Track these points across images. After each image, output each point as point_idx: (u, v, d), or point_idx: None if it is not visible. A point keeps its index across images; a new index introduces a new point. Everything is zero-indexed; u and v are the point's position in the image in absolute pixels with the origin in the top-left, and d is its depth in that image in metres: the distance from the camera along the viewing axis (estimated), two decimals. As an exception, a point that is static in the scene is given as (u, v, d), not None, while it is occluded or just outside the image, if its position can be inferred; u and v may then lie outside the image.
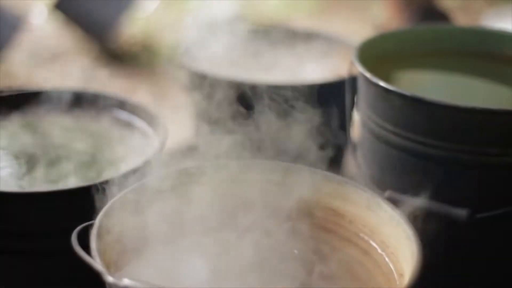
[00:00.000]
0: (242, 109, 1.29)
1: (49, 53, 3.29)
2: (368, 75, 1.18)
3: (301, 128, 1.29)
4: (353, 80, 1.31)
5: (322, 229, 1.04)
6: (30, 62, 3.16)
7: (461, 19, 2.70)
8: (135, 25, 3.46)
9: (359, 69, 1.21)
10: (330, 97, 1.38)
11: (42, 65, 3.16)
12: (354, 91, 1.32)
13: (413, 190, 1.14)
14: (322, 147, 1.28)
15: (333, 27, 1.88)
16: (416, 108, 1.13)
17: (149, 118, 1.29)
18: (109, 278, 0.81)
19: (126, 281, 0.80)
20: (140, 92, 1.38)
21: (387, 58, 1.35)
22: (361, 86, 1.25)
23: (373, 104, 1.20)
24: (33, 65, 3.14)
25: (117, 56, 3.30)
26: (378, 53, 1.33)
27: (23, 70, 3.07)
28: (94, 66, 3.21)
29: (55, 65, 3.19)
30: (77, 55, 3.31)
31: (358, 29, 2.51)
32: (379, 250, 0.98)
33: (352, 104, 1.30)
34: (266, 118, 1.31)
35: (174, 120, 1.28)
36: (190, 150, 1.08)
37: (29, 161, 1.22)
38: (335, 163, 1.49)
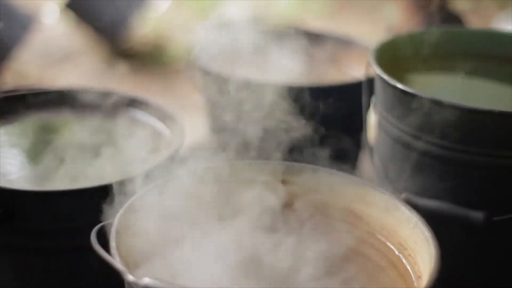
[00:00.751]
0: (257, 110, 1.29)
1: (60, 52, 3.30)
2: (385, 77, 1.18)
3: (316, 129, 1.29)
4: (369, 82, 1.31)
5: (339, 230, 1.04)
6: (41, 62, 3.17)
7: (473, 21, 2.69)
8: (146, 25, 3.47)
9: (376, 71, 1.21)
10: (346, 99, 1.38)
11: (53, 65, 3.17)
12: (370, 93, 1.32)
13: (430, 192, 1.15)
14: (337, 148, 1.28)
15: (345, 28, 1.87)
16: (434, 111, 1.13)
17: (166, 118, 1.29)
18: (130, 277, 0.81)
19: (146, 280, 0.79)
20: (152, 91, 1.38)
21: (402, 60, 1.35)
22: (378, 88, 1.25)
23: (390, 106, 1.20)
24: (45, 65, 3.15)
25: (128, 55, 3.31)
26: (394, 55, 1.33)
27: (34, 69, 3.08)
28: (105, 65, 3.22)
29: (67, 64, 3.20)
30: (89, 55, 3.32)
31: (370, 31, 2.51)
32: (397, 252, 0.97)
33: (368, 106, 1.30)
34: (279, 119, 1.31)
35: (186, 120, 1.28)
36: (203, 149, 1.08)
37: (44, 160, 1.22)
38: (350, 165, 1.49)
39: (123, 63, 3.24)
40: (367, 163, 1.63)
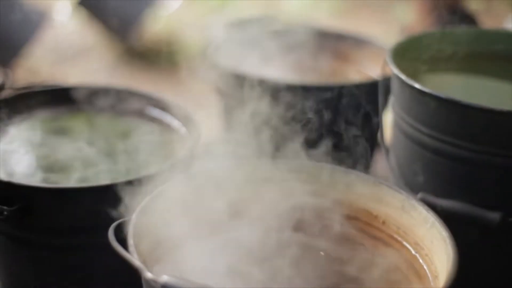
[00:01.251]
0: (272, 108, 1.29)
1: (72, 50, 3.30)
2: (403, 77, 1.18)
3: (331, 128, 1.29)
4: (385, 81, 1.30)
5: (355, 229, 1.04)
6: (53, 59, 3.17)
7: (485, 22, 2.69)
8: (158, 23, 3.47)
9: (394, 70, 1.21)
10: (362, 99, 1.38)
11: (65, 62, 3.17)
12: (386, 92, 1.31)
13: (446, 192, 1.14)
14: (352, 147, 1.28)
15: (357, 28, 1.87)
16: (451, 111, 1.12)
17: (183, 116, 1.29)
18: (148, 275, 0.81)
19: (165, 278, 0.79)
20: (163, 90, 1.39)
21: (418, 60, 1.34)
22: (394, 87, 1.25)
23: (407, 105, 1.20)
24: (56, 62, 3.15)
25: (140, 53, 3.31)
26: (410, 55, 1.32)
27: (46, 66, 3.08)
28: (117, 63, 3.22)
29: (78, 62, 3.20)
30: (100, 52, 3.32)
31: (382, 30, 2.50)
32: (413, 252, 0.97)
33: (384, 105, 1.30)
34: (294, 117, 1.31)
35: (199, 118, 1.28)
36: (219, 148, 1.08)
37: (59, 157, 1.23)
38: (364, 164, 1.49)
39: (135, 61, 3.24)
40: (381, 162, 1.63)
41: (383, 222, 1.02)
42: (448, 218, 0.95)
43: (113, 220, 0.92)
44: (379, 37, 1.70)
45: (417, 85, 1.16)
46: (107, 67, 3.18)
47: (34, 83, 1.38)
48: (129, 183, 1.06)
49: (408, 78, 1.18)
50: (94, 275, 1.13)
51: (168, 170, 1.04)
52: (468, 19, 2.26)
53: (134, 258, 0.84)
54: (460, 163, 1.15)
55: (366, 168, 1.52)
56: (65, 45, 3.32)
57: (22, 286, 1.18)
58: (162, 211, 0.95)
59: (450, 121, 1.13)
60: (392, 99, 1.28)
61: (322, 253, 1.00)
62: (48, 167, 1.19)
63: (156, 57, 3.29)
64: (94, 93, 1.36)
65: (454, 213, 1.12)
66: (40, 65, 3.05)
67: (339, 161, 1.09)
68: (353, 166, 1.08)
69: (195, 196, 0.99)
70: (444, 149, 1.15)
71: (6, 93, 1.30)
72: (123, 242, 0.88)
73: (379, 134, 1.29)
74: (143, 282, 0.89)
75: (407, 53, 1.31)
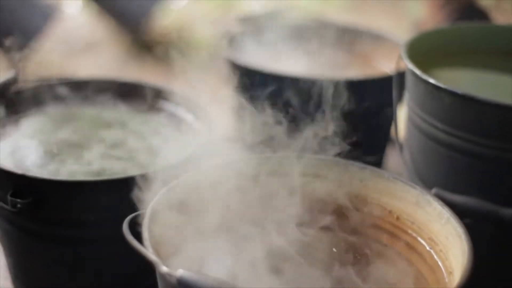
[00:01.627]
0: (286, 103, 1.29)
1: (82, 42, 3.30)
2: (418, 72, 1.18)
3: (345, 123, 1.28)
4: (400, 76, 1.30)
5: (369, 224, 1.03)
6: (63, 52, 3.17)
7: (496, 18, 2.68)
8: (167, 16, 3.47)
9: (409, 65, 1.21)
10: (376, 94, 1.37)
11: (75, 55, 3.17)
12: (401, 87, 1.31)
13: (460, 188, 1.14)
14: (365, 142, 1.28)
15: (367, 23, 1.86)
16: (466, 106, 1.12)
17: (196, 110, 1.28)
18: (163, 268, 0.80)
19: (181, 272, 0.79)
20: (173, 84, 1.38)
21: (432, 55, 1.34)
22: (409, 83, 1.25)
23: (421, 101, 1.20)
24: (66, 55, 3.15)
25: (150, 46, 3.31)
26: (424, 50, 1.32)
27: (56, 59, 3.09)
28: (127, 56, 3.22)
29: (88, 54, 3.20)
30: (110, 45, 3.32)
31: (393, 25, 2.50)
32: (427, 247, 0.97)
33: (398, 100, 1.29)
34: (308, 112, 1.31)
35: (211, 112, 1.28)
36: (233, 142, 1.08)
37: (72, 150, 1.22)
38: (377, 159, 1.49)
39: (144, 55, 3.24)
40: (393, 157, 1.63)
41: (397, 218, 1.01)
42: (461, 214, 0.94)
43: (126, 214, 0.92)
44: (391, 32, 1.69)
45: (432, 80, 1.15)
46: (117, 60, 3.18)
47: (45, 76, 1.38)
48: (143, 176, 1.06)
49: (422, 73, 1.17)
50: (106, 268, 1.13)
51: (183, 163, 1.04)
52: (480, 14, 2.26)
53: (149, 251, 0.84)
54: (475, 158, 1.14)
55: (379, 163, 1.52)
56: (75, 38, 3.32)
57: (34, 279, 1.18)
58: (177, 204, 0.95)
59: (465, 116, 1.13)
60: (406, 94, 1.28)
61: (334, 249, 1.00)
62: (61, 160, 1.19)
63: (165, 50, 3.29)
64: (106, 86, 1.36)
65: (468, 209, 1.12)
66: (50, 58, 3.05)
67: (353, 156, 1.09)
68: (366, 161, 1.07)
69: (210, 190, 0.98)
70: (458, 145, 1.15)
71: (18, 86, 1.30)
72: (137, 235, 0.87)
73: (393, 129, 1.28)
74: (157, 276, 0.88)
75: (420, 48, 1.31)
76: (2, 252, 1.22)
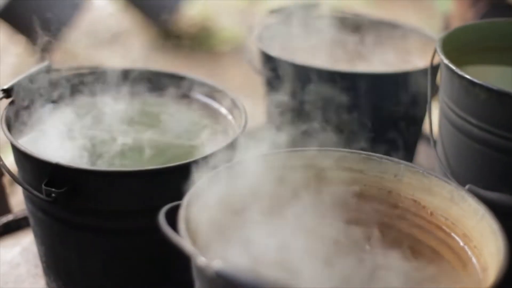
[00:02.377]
0: (318, 96, 1.29)
1: (109, 32, 3.31)
2: (453, 67, 1.17)
3: (377, 117, 1.28)
4: (434, 71, 1.30)
5: (403, 220, 1.03)
6: (90, 41, 3.18)
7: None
8: (194, 7, 3.47)
9: (444, 60, 1.20)
10: (409, 88, 1.37)
11: (101, 45, 3.18)
12: (434, 82, 1.31)
13: (494, 185, 1.13)
14: (397, 136, 1.27)
15: (397, 17, 1.85)
16: (501, 103, 1.11)
17: (228, 101, 1.28)
18: (201, 260, 0.80)
19: (219, 263, 0.78)
20: (199, 74, 1.38)
21: (466, 50, 1.33)
22: (444, 78, 1.24)
23: (456, 96, 1.19)
24: (93, 45, 3.16)
25: (176, 37, 3.31)
26: (458, 45, 1.32)
27: (82, 49, 3.10)
28: (153, 46, 3.23)
29: (115, 44, 3.21)
30: (137, 36, 3.33)
31: (422, 20, 2.49)
32: (461, 243, 0.97)
33: (432, 95, 1.29)
34: (340, 105, 1.31)
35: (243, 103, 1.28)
36: (265, 134, 1.08)
37: (104, 140, 1.23)
38: (409, 154, 1.48)
39: (170, 45, 3.25)
40: (423, 153, 1.62)
41: (431, 213, 1.01)
42: (495, 211, 0.94)
43: (162, 205, 0.92)
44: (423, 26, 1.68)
45: (467, 76, 1.15)
46: (143, 51, 3.19)
47: (78, 66, 1.38)
48: (179, 167, 1.06)
49: (458, 68, 1.17)
50: (140, 260, 1.13)
51: (219, 154, 1.04)
52: (511, 11, 2.25)
53: (186, 242, 0.83)
54: (509, 155, 1.14)
55: (410, 158, 1.51)
56: (102, 28, 3.33)
57: (66, 268, 1.19)
58: (214, 195, 0.95)
59: (500, 113, 1.12)
60: (440, 89, 1.28)
61: (367, 246, 1.00)
62: (94, 150, 1.19)
63: (192, 41, 3.30)
64: (137, 76, 1.36)
65: (501, 206, 1.11)
66: (77, 48, 3.06)
67: (385, 151, 1.09)
68: (397, 155, 1.07)
69: (248, 181, 0.98)
70: (493, 141, 1.14)
71: (51, 76, 1.30)
72: (173, 227, 0.87)
73: (427, 124, 1.28)
74: (193, 268, 0.88)
75: (455, 43, 1.30)
76: (34, 241, 1.23)
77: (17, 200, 1.70)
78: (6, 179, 1.68)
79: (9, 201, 1.66)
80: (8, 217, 1.46)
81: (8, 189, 1.69)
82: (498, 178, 1.16)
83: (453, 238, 0.98)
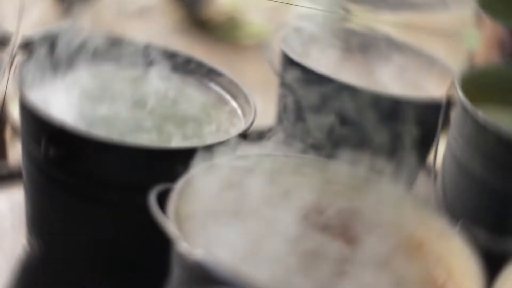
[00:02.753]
0: (332, 109, 1.29)
1: (136, 6, 3.31)
2: (469, 106, 1.17)
3: (384, 140, 1.28)
4: (447, 104, 1.29)
5: (391, 246, 1.03)
6: (115, 12, 3.17)
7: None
8: (227, -3, 3.46)
9: (461, 97, 1.19)
10: (421, 118, 1.36)
11: (126, 18, 3.17)
12: (447, 115, 1.30)
13: (488, 224, 1.13)
14: (399, 163, 1.27)
15: (422, 44, 1.84)
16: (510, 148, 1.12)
17: (239, 94, 1.28)
18: (183, 245, 0.80)
19: (200, 253, 0.78)
20: (217, 64, 1.38)
21: (485, 90, 1.33)
22: (457, 114, 1.23)
23: (466, 134, 1.19)
24: (117, 16, 3.16)
25: (202, 22, 3.31)
26: (477, 84, 1.31)
27: (107, 19, 3.09)
28: (178, 28, 3.22)
29: (139, 19, 3.21)
30: (163, 15, 3.32)
31: (446, 51, 2.48)
32: (443, 279, 0.97)
33: (442, 128, 1.29)
34: (352, 121, 1.30)
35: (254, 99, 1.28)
36: (272, 135, 1.08)
37: (115, 112, 1.23)
38: (408, 182, 1.47)
39: (195, 29, 3.24)
40: (423, 183, 1.62)
41: (419, 244, 1.01)
42: (486, 251, 0.94)
43: (152, 185, 0.92)
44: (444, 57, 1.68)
45: (481, 117, 1.14)
46: (166, 30, 3.18)
47: (101, 32, 1.37)
48: (177, 150, 1.06)
49: (473, 107, 1.17)
50: (122, 233, 1.13)
51: (222, 145, 1.03)
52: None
53: (171, 226, 0.83)
54: (509, 198, 1.14)
55: (409, 187, 1.50)
56: (129, 1, 3.32)
57: (50, 229, 1.19)
58: (209, 185, 0.95)
59: (508, 157, 1.12)
60: (452, 123, 1.27)
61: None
62: (105, 119, 1.19)
63: (217, 29, 3.29)
64: (160, 54, 1.35)
65: (493, 247, 1.11)
66: (101, 18, 3.06)
67: (384, 174, 1.08)
68: (396, 182, 1.07)
69: (243, 177, 0.98)
70: (496, 183, 1.14)
71: (74, 37, 1.30)
72: (162, 209, 0.87)
73: (432, 157, 1.27)
74: (173, 255, 0.88)
75: (474, 81, 1.30)
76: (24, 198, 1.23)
77: (14, 157, 1.70)
78: (8, 132, 1.67)
79: (8, 153, 1.66)
80: (2, 170, 1.45)
81: (8, 143, 1.69)
82: (494, 218, 1.15)
83: (437, 273, 0.98)
